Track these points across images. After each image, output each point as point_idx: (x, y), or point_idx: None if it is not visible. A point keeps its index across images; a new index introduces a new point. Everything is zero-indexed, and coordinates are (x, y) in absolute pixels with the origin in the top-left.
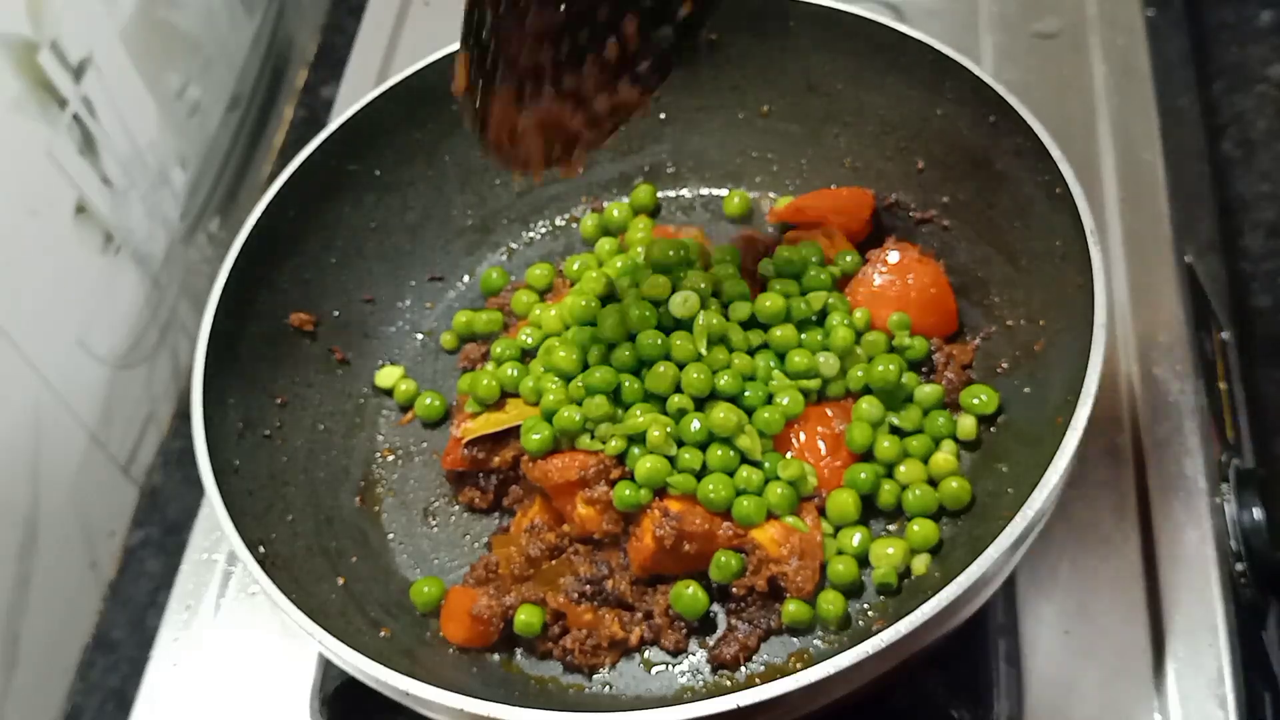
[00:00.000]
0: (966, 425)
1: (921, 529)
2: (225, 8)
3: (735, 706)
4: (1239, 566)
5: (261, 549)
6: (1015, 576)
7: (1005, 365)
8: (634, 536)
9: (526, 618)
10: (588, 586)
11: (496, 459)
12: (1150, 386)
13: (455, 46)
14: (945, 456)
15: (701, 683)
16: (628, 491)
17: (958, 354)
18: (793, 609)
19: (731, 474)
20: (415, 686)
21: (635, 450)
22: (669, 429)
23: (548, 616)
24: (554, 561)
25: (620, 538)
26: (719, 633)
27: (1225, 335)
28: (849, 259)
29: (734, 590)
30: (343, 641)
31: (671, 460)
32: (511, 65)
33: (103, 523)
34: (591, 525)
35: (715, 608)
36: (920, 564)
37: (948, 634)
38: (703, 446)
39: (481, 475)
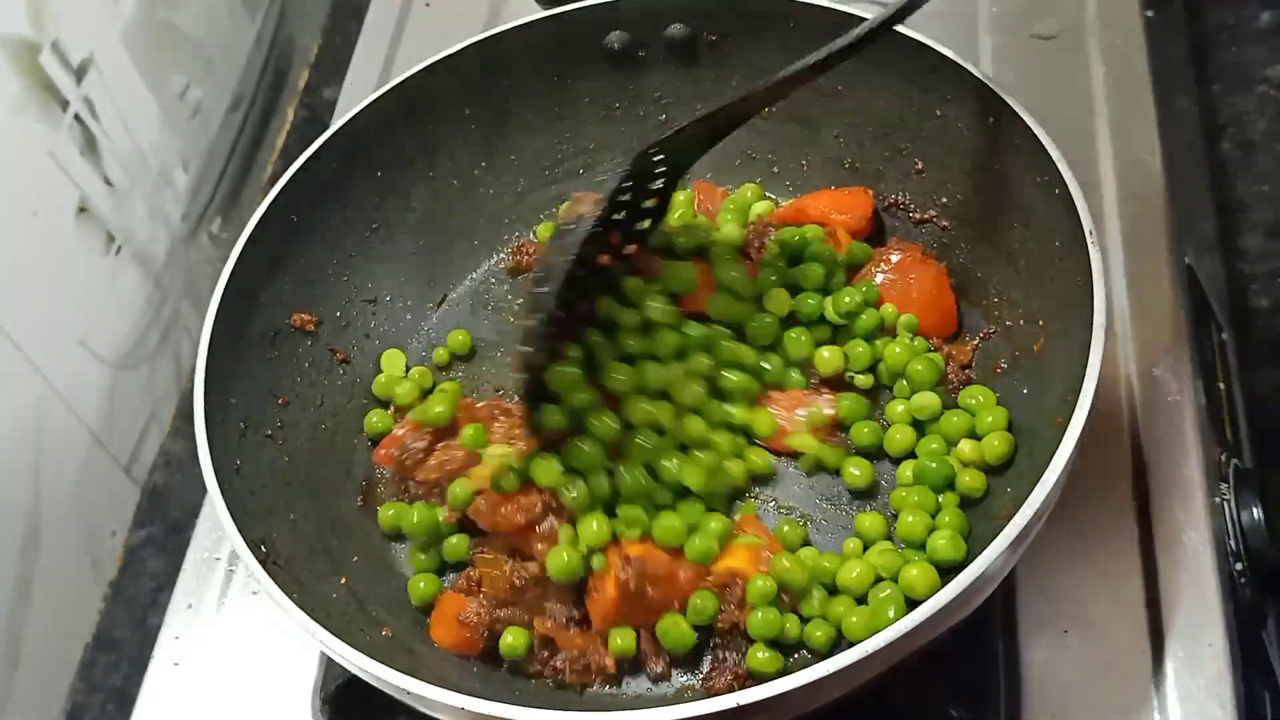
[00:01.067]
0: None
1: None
2: (227, 9)
3: (735, 705)
4: (1238, 566)
5: (263, 548)
6: (1014, 576)
7: (1004, 365)
8: (592, 589)
9: (514, 641)
10: (575, 612)
11: (420, 474)
12: (1149, 387)
13: (455, 48)
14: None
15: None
16: (566, 558)
17: (957, 354)
18: (760, 656)
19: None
20: (417, 685)
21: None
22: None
23: (536, 640)
24: (540, 588)
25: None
26: (708, 666)
27: (1224, 335)
28: (856, 248)
29: (719, 625)
30: (344, 641)
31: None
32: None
33: (104, 522)
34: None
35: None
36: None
37: (947, 633)
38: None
39: None
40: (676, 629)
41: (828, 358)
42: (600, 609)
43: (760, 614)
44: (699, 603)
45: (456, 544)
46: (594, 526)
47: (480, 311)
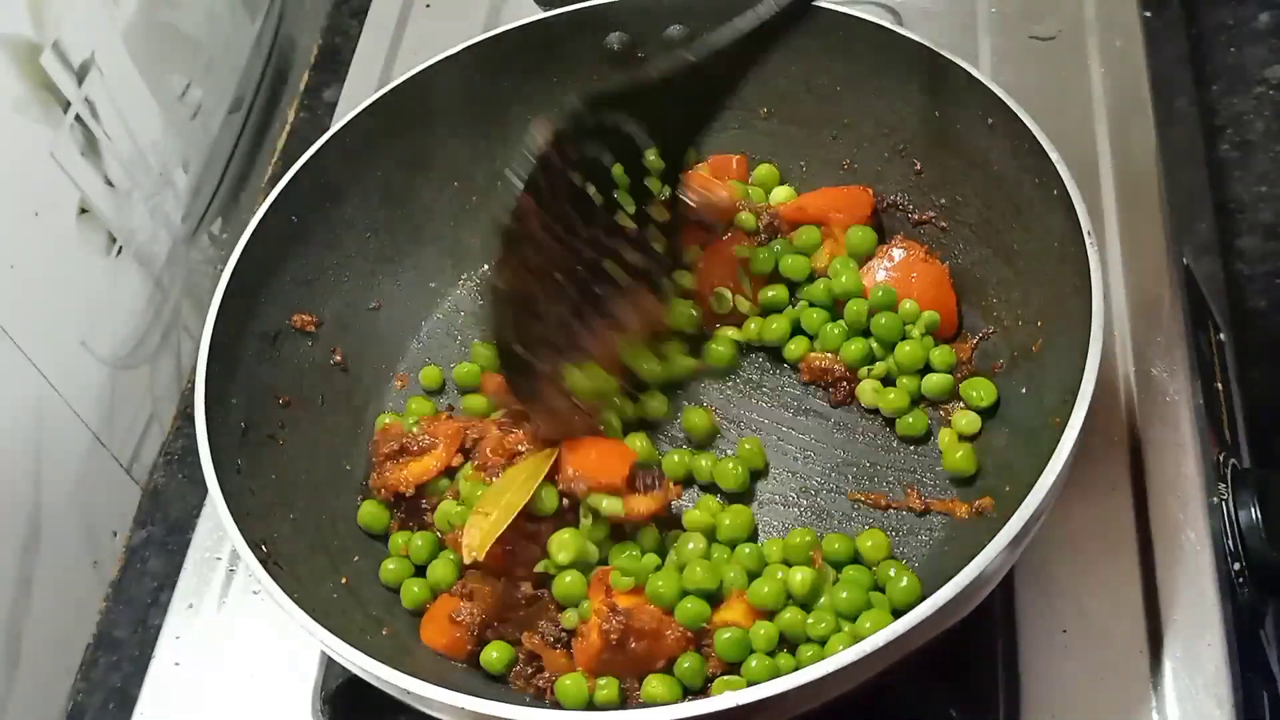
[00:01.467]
0: (963, 423)
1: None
2: (227, 10)
3: (735, 705)
4: (1236, 566)
5: (264, 548)
6: (1013, 576)
7: (1003, 365)
8: (579, 634)
9: (496, 656)
10: (564, 633)
11: (411, 491)
12: (1147, 387)
13: (455, 49)
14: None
15: None
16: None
17: (956, 354)
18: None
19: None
20: (417, 685)
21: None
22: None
23: (521, 655)
24: (532, 608)
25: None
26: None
27: (1222, 336)
28: (860, 235)
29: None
30: (345, 640)
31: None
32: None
33: (105, 522)
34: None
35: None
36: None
37: (945, 633)
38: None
39: None
40: (666, 693)
41: (892, 399)
42: (584, 656)
43: (756, 662)
44: (686, 665)
45: (444, 570)
46: (567, 581)
47: (482, 313)
